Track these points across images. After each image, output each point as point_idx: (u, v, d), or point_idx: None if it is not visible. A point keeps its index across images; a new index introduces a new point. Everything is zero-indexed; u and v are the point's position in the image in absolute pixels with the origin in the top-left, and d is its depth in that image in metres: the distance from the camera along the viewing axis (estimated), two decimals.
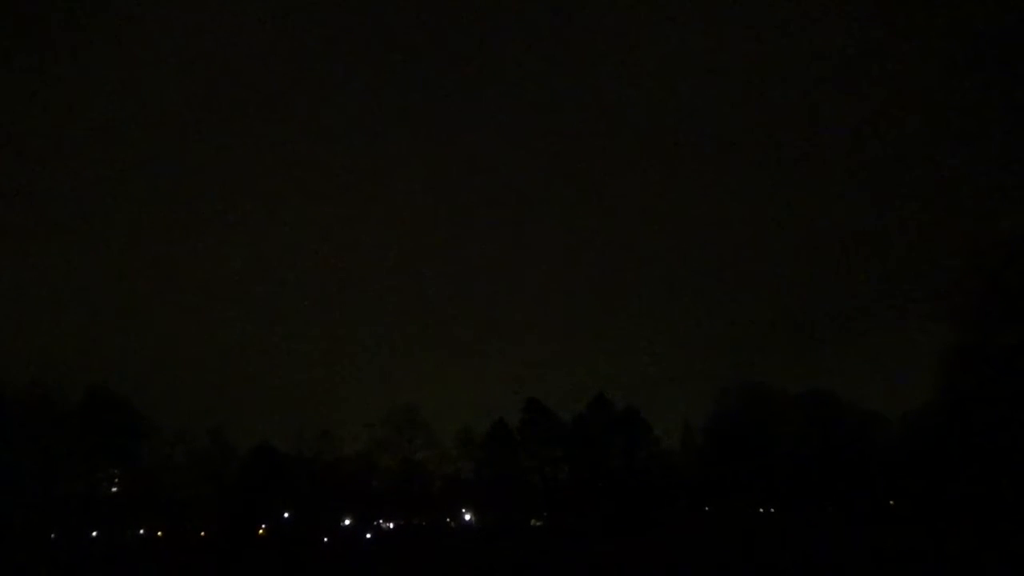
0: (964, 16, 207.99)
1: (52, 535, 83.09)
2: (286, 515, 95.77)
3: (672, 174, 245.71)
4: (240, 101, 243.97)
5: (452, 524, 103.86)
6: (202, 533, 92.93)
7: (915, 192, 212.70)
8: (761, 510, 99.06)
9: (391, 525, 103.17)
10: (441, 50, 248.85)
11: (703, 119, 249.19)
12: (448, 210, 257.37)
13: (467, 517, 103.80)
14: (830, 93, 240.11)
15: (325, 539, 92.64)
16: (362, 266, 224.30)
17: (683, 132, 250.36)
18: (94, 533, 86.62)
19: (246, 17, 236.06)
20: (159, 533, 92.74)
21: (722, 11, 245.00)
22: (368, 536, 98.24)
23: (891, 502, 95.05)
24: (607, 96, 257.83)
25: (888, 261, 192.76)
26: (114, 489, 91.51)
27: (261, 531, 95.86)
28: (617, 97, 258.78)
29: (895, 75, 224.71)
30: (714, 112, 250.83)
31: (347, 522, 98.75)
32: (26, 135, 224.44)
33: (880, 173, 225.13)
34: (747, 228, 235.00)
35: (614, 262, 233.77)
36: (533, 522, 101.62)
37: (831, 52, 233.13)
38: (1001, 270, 54.63)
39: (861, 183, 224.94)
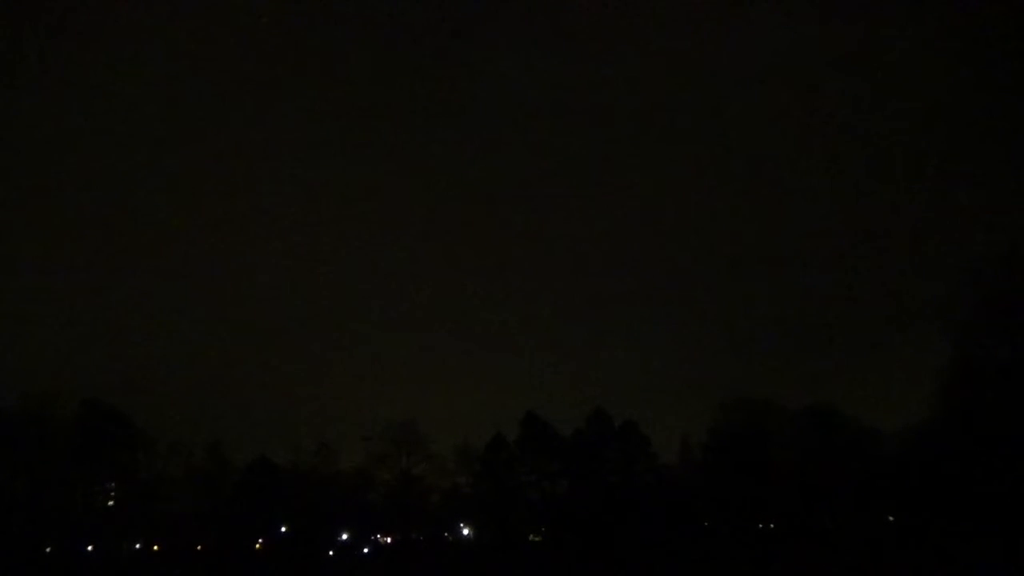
0: (965, 21, 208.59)
1: (47, 548, 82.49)
2: (283, 529, 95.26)
3: (671, 185, 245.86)
4: (232, 109, 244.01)
5: (450, 539, 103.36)
6: (199, 547, 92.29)
7: (916, 206, 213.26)
8: (760, 526, 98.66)
9: (389, 540, 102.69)
10: (436, 51, 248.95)
11: (702, 127, 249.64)
12: (445, 223, 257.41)
13: (465, 532, 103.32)
14: (832, 102, 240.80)
15: (323, 553, 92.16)
16: (360, 280, 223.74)
17: (683, 140, 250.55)
18: (90, 547, 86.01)
19: (240, 14, 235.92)
20: (155, 547, 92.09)
21: (725, 9, 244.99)
22: (366, 551, 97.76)
23: (891, 518, 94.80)
24: (604, 101, 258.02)
25: (889, 275, 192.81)
26: (110, 502, 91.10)
27: (258, 545, 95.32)
28: (614, 103, 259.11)
29: (895, 83, 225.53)
30: (714, 120, 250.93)
31: (344, 536, 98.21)
32: (20, 144, 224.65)
33: (880, 186, 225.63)
34: (747, 241, 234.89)
35: (612, 274, 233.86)
36: (532, 537, 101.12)
37: (830, 59, 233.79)
38: (1001, 285, 54.79)
39: (862, 197, 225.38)
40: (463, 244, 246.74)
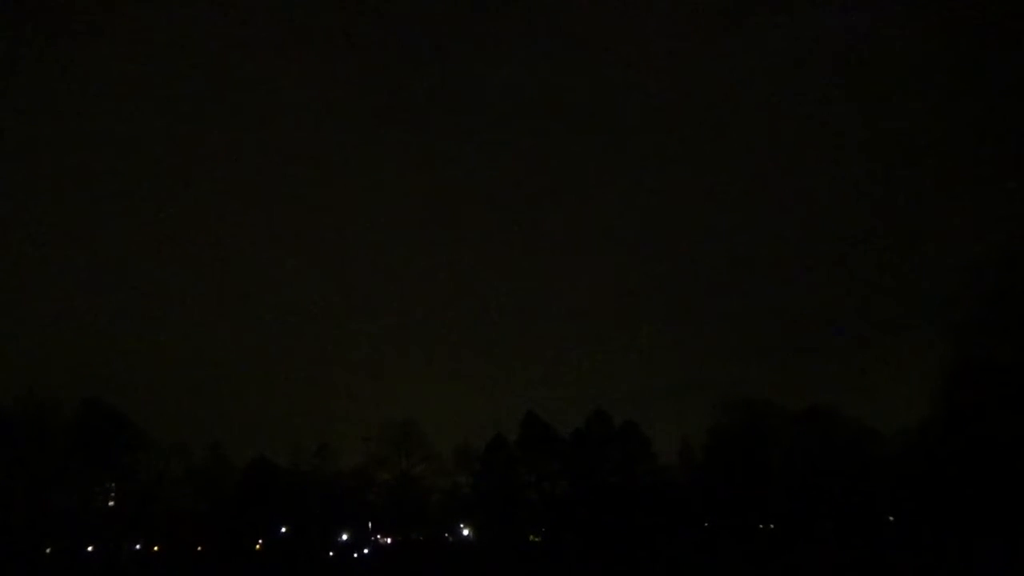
0: (965, 21, 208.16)
1: (47, 549, 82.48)
2: (283, 530, 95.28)
3: (671, 185, 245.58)
4: (232, 109, 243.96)
5: (450, 539, 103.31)
6: (199, 548, 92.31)
7: (916, 206, 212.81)
8: (760, 526, 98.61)
9: (388, 540, 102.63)
10: (436, 51, 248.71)
11: (703, 127, 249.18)
12: (446, 223, 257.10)
13: (465, 532, 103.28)
14: (832, 102, 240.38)
15: (323, 554, 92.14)
16: (359, 281, 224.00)
17: (683, 140, 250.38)
18: (90, 547, 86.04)
19: (240, 14, 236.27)
20: (155, 548, 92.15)
21: (725, 9, 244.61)
22: (366, 551, 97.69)
23: (891, 518, 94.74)
24: (604, 101, 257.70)
25: (889, 275, 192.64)
26: (110, 503, 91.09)
27: (258, 546, 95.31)
28: (614, 103, 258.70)
29: (895, 83, 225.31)
30: (715, 120, 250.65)
31: (344, 537, 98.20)
32: (20, 144, 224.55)
33: (880, 186, 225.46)
34: (747, 241, 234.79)
35: (613, 275, 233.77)
36: (532, 537, 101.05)
37: (830, 59, 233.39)
38: (1001, 285, 54.73)
39: (863, 197, 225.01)
40: (463, 244, 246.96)
